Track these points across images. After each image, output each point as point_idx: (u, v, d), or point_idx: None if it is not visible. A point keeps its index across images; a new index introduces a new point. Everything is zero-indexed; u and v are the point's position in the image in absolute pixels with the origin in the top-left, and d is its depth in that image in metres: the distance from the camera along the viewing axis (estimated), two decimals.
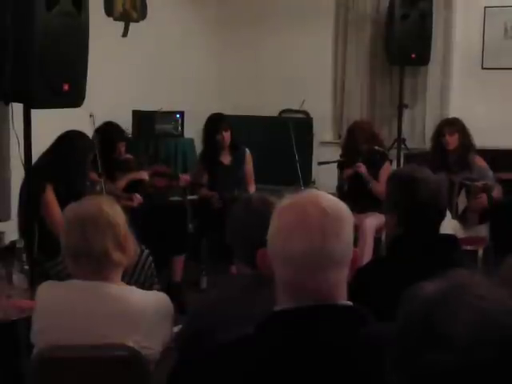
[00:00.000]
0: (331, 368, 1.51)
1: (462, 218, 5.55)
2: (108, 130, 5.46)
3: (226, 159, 6.04)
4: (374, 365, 1.49)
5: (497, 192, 5.51)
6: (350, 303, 1.60)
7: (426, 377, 1.10)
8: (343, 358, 1.51)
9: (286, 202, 1.61)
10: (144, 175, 5.47)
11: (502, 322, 1.10)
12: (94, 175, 4.89)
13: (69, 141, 4.48)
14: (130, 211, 2.67)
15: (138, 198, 5.15)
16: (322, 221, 1.54)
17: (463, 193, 5.53)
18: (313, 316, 1.55)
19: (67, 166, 4.39)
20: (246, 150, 6.10)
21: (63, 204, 4.19)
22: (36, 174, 4.17)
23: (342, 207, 1.61)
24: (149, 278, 4.26)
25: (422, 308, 1.13)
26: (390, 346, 1.17)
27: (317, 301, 1.55)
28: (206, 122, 6.14)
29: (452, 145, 5.67)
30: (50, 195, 4.27)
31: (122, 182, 5.28)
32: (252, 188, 6.05)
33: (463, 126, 5.75)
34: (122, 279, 2.57)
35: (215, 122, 6.01)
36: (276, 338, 1.56)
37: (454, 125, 5.75)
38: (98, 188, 4.80)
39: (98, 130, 5.37)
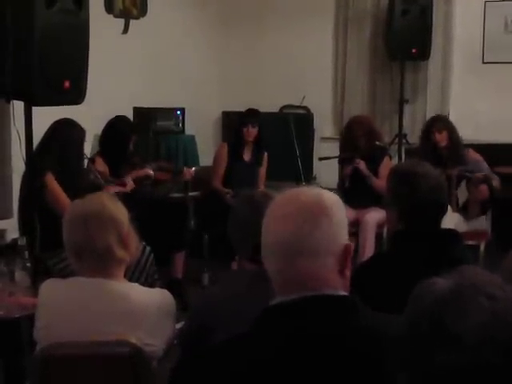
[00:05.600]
0: (319, 359, 1.52)
1: (463, 210, 5.56)
2: (121, 125, 5.43)
3: (247, 156, 6.06)
4: (367, 354, 1.49)
5: (496, 182, 5.53)
6: (340, 292, 1.61)
7: (437, 376, 1.10)
8: (332, 349, 1.53)
9: (275, 198, 1.68)
10: (149, 171, 5.46)
11: None
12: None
13: (61, 128, 4.48)
14: (130, 207, 2.65)
15: (130, 182, 5.13)
16: (294, 213, 1.59)
17: (463, 185, 5.56)
18: (299, 309, 1.57)
19: (64, 151, 4.39)
20: (265, 152, 6.13)
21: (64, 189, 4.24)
22: (34, 162, 4.17)
23: (324, 200, 1.63)
24: (151, 275, 4.27)
25: (434, 307, 1.13)
26: (399, 344, 1.17)
27: (301, 292, 1.58)
28: (240, 116, 6.19)
29: (443, 142, 5.72)
30: (50, 178, 4.28)
31: (130, 180, 5.23)
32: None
33: (449, 122, 5.85)
34: (124, 276, 2.57)
35: (244, 116, 6.06)
36: (266, 334, 1.58)
37: (440, 122, 5.84)
38: (91, 176, 4.78)
39: (110, 125, 5.37)
